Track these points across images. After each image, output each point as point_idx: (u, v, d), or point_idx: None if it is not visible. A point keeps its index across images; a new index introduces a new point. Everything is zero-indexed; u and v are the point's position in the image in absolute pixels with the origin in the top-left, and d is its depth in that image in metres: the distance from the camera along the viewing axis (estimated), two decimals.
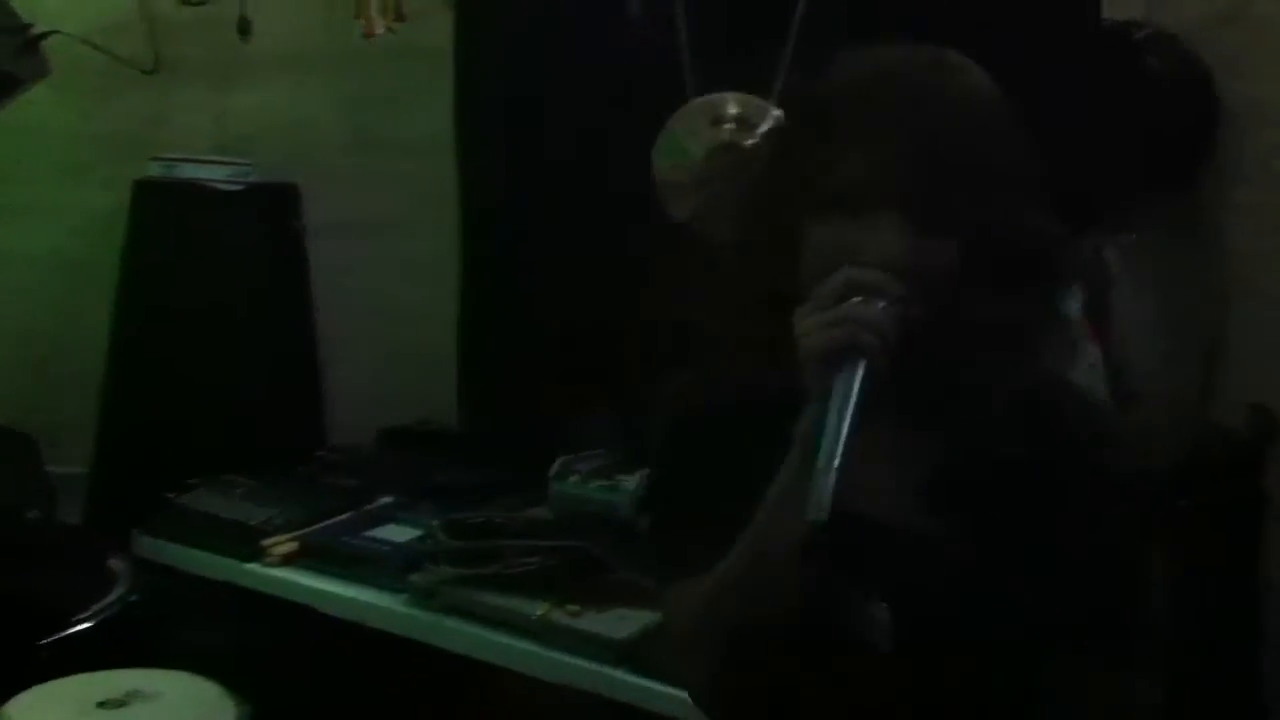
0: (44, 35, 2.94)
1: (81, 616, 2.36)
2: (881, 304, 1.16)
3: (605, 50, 2.50)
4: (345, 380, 3.28)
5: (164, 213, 3.11)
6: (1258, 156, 2.71)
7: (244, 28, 2.87)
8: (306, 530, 2.58)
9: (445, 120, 3.03)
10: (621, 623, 2.19)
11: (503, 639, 2.25)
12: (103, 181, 3.39)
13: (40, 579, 2.49)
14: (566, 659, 2.18)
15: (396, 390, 3.13)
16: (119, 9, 3.02)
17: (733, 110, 2.53)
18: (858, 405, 1.14)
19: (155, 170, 3.17)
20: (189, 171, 3.14)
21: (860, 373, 1.14)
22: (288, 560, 2.53)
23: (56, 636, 2.29)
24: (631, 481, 2.42)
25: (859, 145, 1.21)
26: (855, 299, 1.16)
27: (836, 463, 1.11)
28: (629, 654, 2.14)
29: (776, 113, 2.48)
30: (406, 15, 2.87)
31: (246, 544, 2.55)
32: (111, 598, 2.41)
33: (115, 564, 2.54)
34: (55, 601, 2.38)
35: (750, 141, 2.51)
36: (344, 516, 2.63)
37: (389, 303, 3.27)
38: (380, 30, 2.76)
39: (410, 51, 3.02)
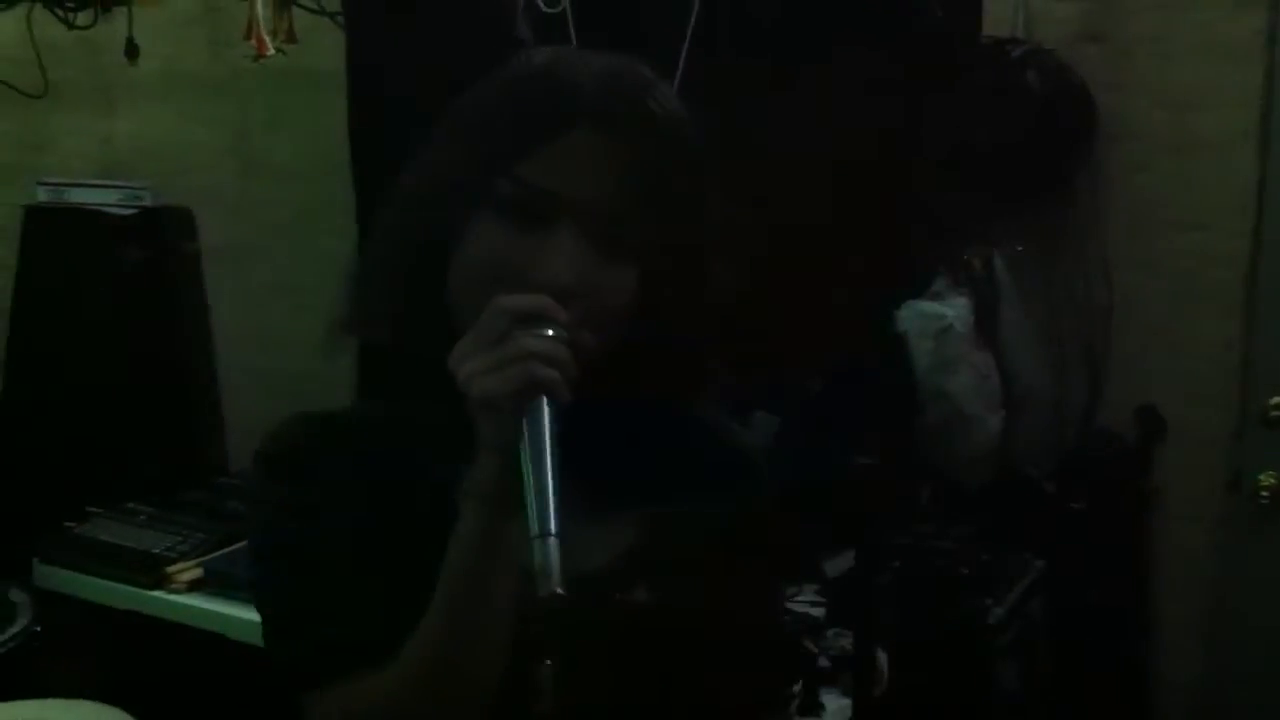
0: None
1: None
2: (550, 332, 1.02)
3: (497, 66, 2.52)
4: (243, 405, 3.26)
5: (54, 238, 3.06)
6: (1123, 169, 2.81)
7: (131, 51, 2.84)
8: (210, 556, 2.57)
9: (335, 143, 3.03)
10: None
11: None
12: None
13: None
14: None
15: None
16: (5, 34, 2.97)
17: None
18: (554, 452, 1.00)
19: (43, 195, 3.12)
20: (79, 196, 3.10)
21: (547, 413, 1.01)
22: (192, 587, 2.52)
23: None
24: None
25: (543, 145, 1.07)
26: (523, 331, 1.02)
27: (554, 523, 0.98)
28: None
29: None
30: (297, 37, 2.86)
31: (150, 571, 2.52)
32: (13, 629, 2.38)
33: (15, 595, 2.50)
34: None
35: None
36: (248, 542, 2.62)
37: (282, 327, 3.26)
38: (270, 52, 2.74)
39: (301, 73, 3.02)
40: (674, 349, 1.15)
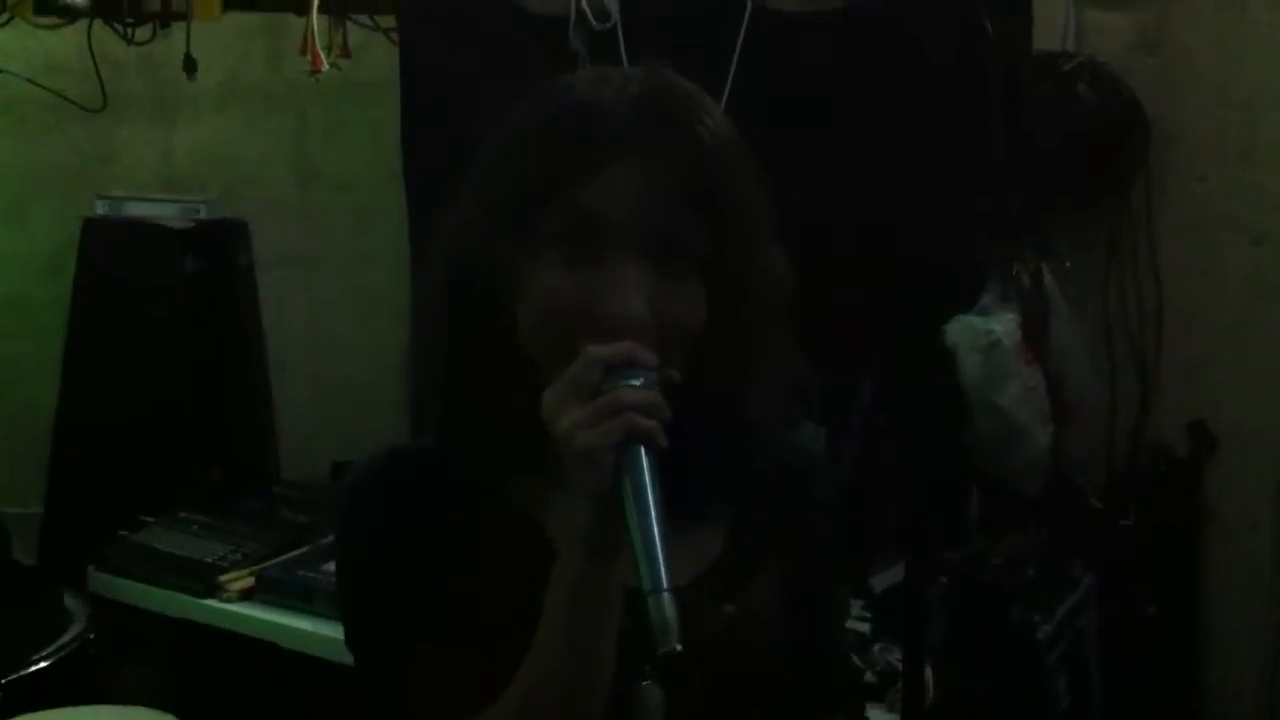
0: None
1: (39, 655, 2.35)
2: (640, 379, 1.01)
3: (549, 82, 2.54)
4: (297, 414, 3.30)
5: (113, 251, 3.11)
6: (1179, 180, 2.80)
7: (189, 65, 2.88)
8: (263, 565, 2.60)
9: (390, 154, 3.07)
10: None
11: None
12: (49, 220, 3.39)
13: None
14: None
15: (349, 423, 3.14)
16: (66, 49, 3.03)
17: None
18: (657, 501, 0.99)
19: (102, 208, 3.17)
20: (137, 209, 3.15)
21: (646, 463, 1.00)
22: (245, 595, 2.55)
23: (14, 676, 2.29)
24: None
25: (592, 177, 1.06)
26: (616, 383, 1.00)
27: (666, 578, 0.96)
28: None
29: None
30: (351, 51, 2.90)
31: (203, 580, 2.56)
32: (68, 636, 2.41)
33: (71, 602, 2.54)
34: (12, 641, 2.38)
35: None
36: (300, 550, 2.64)
37: (338, 336, 3.30)
38: (324, 66, 2.78)
39: (355, 86, 3.06)
40: (743, 361, 1.14)
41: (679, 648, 0.94)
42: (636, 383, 1.01)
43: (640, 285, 1.05)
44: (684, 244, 1.07)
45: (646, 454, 1.00)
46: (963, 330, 2.66)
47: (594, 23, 2.51)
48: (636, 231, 1.06)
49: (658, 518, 0.98)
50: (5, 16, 2.84)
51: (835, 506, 1.29)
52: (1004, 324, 2.65)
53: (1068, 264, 2.74)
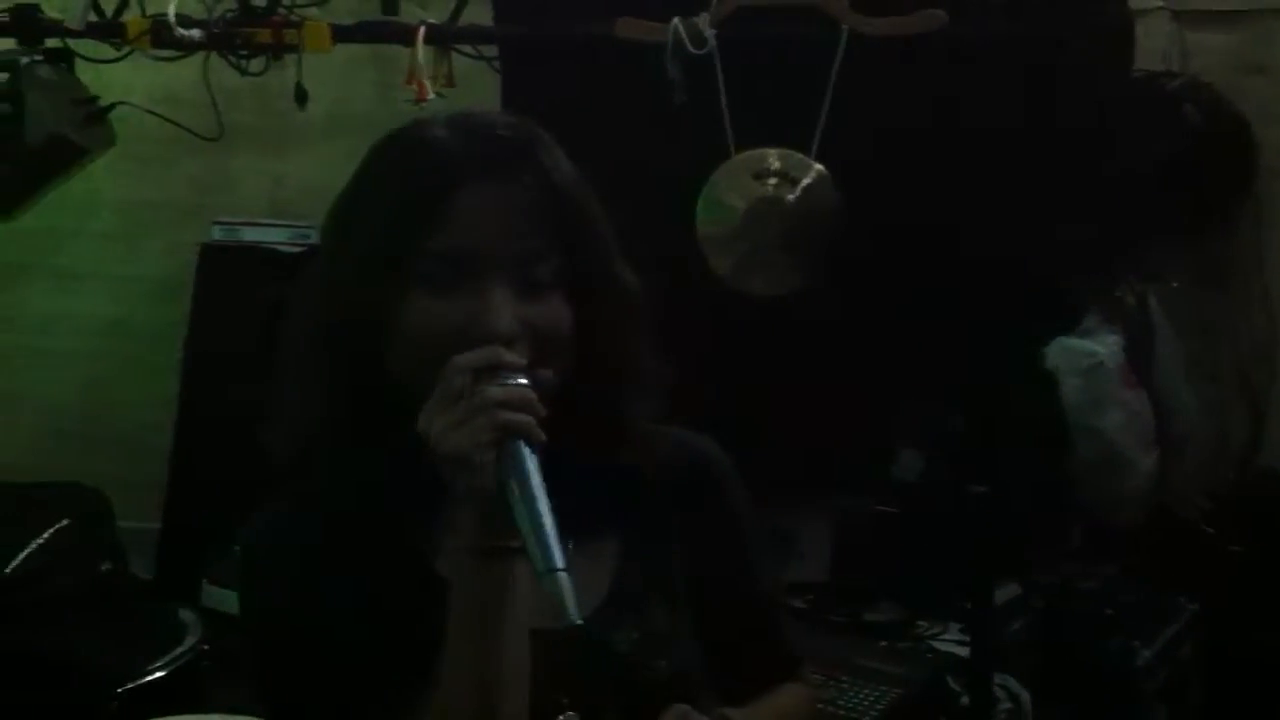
0: (111, 107, 3.06)
1: (154, 666, 2.43)
2: (511, 380, 1.07)
3: (649, 108, 2.57)
4: None
5: (229, 274, 3.21)
6: None
7: (300, 96, 2.96)
8: None
9: None
10: None
11: None
12: (165, 247, 3.51)
13: (114, 630, 2.57)
14: None
15: None
16: (181, 80, 3.12)
17: (774, 165, 2.57)
18: (542, 489, 1.04)
19: (217, 234, 3.27)
20: (251, 235, 3.24)
21: (527, 453, 1.05)
22: None
23: (130, 686, 2.36)
24: None
25: (445, 213, 1.12)
26: (484, 384, 1.06)
27: (559, 558, 1.01)
28: None
29: (818, 167, 2.54)
30: (455, 80, 2.95)
31: None
32: (182, 648, 2.48)
33: (185, 615, 2.62)
34: (129, 651, 2.46)
35: (791, 196, 2.57)
36: None
37: None
38: (430, 95, 2.83)
39: None
40: (617, 374, 1.19)
41: (579, 621, 1.00)
42: (510, 382, 1.07)
43: (504, 303, 1.11)
44: (540, 263, 1.13)
45: (526, 447, 1.05)
46: (1063, 353, 2.63)
47: (690, 48, 2.53)
48: (496, 257, 1.12)
49: (546, 506, 1.03)
50: (125, 50, 2.94)
51: (739, 482, 1.31)
52: (1106, 346, 2.63)
53: (1174, 285, 2.70)
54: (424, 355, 1.10)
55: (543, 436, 1.06)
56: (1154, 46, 2.78)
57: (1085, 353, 2.60)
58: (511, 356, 1.08)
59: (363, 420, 1.15)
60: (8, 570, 2.60)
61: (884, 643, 2.34)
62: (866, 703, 2.00)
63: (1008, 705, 2.10)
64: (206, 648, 2.52)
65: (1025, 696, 2.05)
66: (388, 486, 1.14)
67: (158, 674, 2.41)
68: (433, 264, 1.12)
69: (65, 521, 2.72)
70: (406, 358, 1.13)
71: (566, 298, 1.15)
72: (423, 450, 1.07)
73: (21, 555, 2.63)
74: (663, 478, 1.24)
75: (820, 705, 1.93)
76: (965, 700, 2.10)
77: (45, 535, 2.67)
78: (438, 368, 1.08)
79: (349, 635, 1.12)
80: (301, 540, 1.17)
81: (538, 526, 1.02)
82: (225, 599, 2.72)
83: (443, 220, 1.12)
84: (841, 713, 1.95)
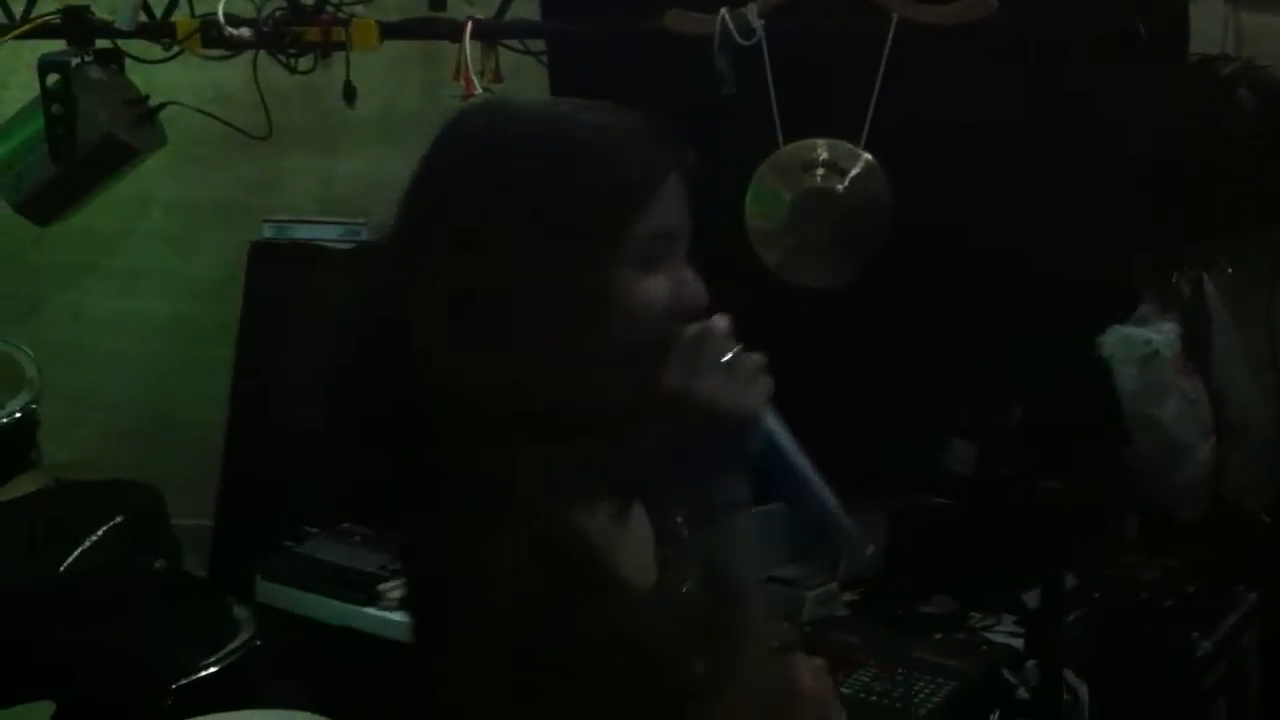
0: (161, 107, 3.09)
1: (208, 661, 2.45)
2: (739, 347, 1.15)
3: (696, 101, 2.56)
4: None
5: (279, 272, 3.22)
6: None
7: (349, 94, 2.97)
8: None
9: None
10: None
11: None
12: (216, 246, 3.53)
13: (168, 627, 2.59)
14: None
15: None
16: (231, 80, 3.15)
17: (822, 155, 2.56)
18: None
19: (268, 232, 3.29)
20: (302, 232, 3.26)
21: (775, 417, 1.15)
22: (403, 604, 2.60)
23: (185, 681, 2.38)
24: None
25: (653, 199, 1.17)
26: (731, 350, 1.14)
27: (835, 503, 1.12)
28: None
29: (866, 157, 2.53)
30: (503, 75, 2.96)
31: (364, 589, 2.62)
32: (236, 643, 2.50)
33: (239, 611, 2.64)
34: (183, 647, 2.48)
35: (840, 186, 2.55)
36: None
37: None
38: (478, 90, 2.84)
39: None
40: None
41: (871, 549, 1.16)
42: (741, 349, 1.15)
43: (697, 276, 1.19)
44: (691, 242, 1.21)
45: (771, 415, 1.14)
46: (1119, 341, 2.60)
47: (739, 39, 2.52)
48: (684, 237, 1.20)
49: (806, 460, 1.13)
50: (175, 50, 2.96)
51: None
52: (1163, 334, 2.59)
53: (1229, 270, 2.66)
54: (643, 326, 1.15)
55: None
56: (1208, 30, 2.73)
57: (1141, 341, 2.56)
58: (732, 328, 1.16)
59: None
60: (62, 568, 2.63)
61: (938, 636, 2.32)
62: (922, 695, 1.99)
63: (1066, 699, 2.07)
64: (260, 644, 2.53)
65: (1083, 689, 2.02)
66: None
67: (211, 670, 2.43)
68: (644, 243, 1.16)
69: (119, 519, 2.74)
70: (620, 330, 1.16)
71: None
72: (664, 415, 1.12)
73: (75, 553, 2.65)
74: None
75: (874, 698, 1.92)
76: (1022, 693, 2.07)
77: (99, 533, 2.70)
78: (655, 336, 1.14)
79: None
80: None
81: (811, 478, 1.13)
82: (279, 595, 2.74)
83: (654, 205, 1.17)
84: (898, 705, 1.94)
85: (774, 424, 1.13)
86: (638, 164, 1.18)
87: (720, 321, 1.15)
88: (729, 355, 1.14)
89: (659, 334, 1.15)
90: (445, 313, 1.15)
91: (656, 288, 1.16)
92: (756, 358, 1.14)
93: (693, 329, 1.14)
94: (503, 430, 1.14)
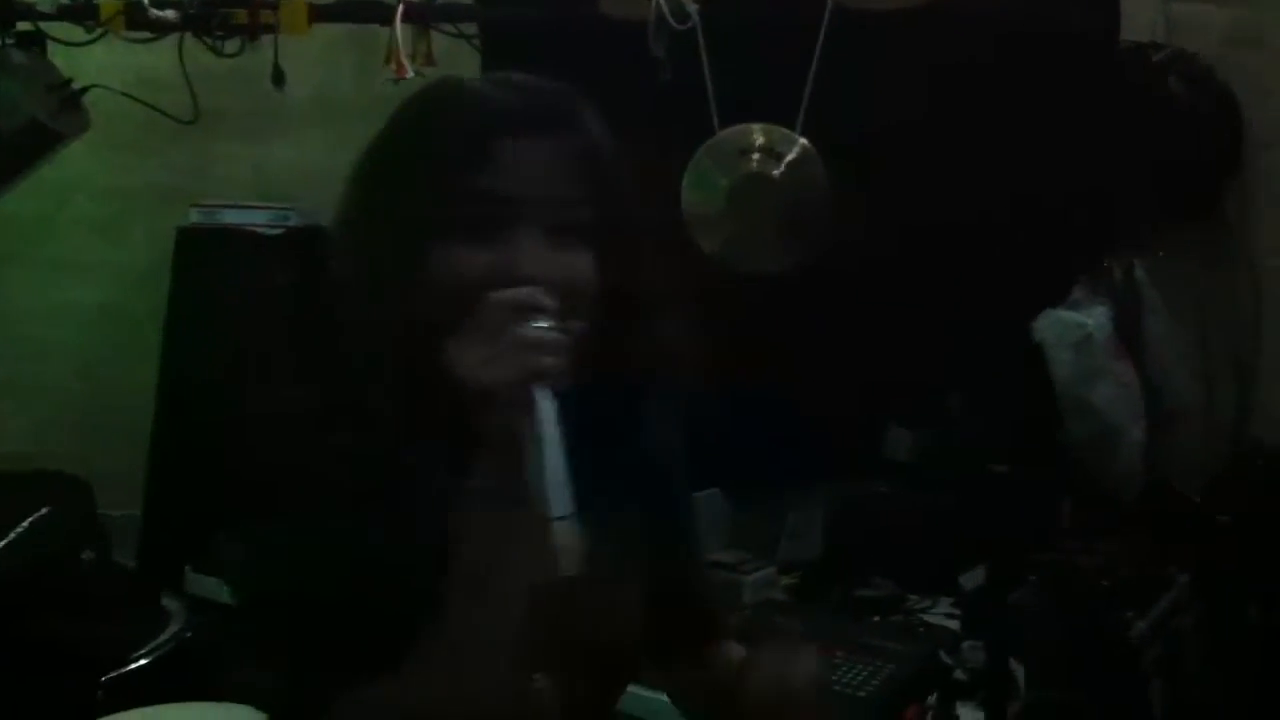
0: (84, 90, 3.02)
1: (138, 654, 2.41)
2: (545, 323, 1.07)
3: (632, 86, 2.55)
4: None
5: (207, 258, 3.17)
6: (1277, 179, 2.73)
7: (278, 78, 2.92)
8: None
9: None
10: None
11: None
12: (145, 233, 3.47)
13: (97, 619, 2.54)
14: None
15: None
16: (158, 64, 3.08)
17: (759, 141, 2.56)
18: (561, 437, 1.04)
19: (196, 217, 3.24)
20: (230, 217, 3.21)
21: (549, 400, 1.05)
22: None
23: (115, 674, 2.34)
24: None
25: (491, 160, 1.13)
26: (520, 325, 1.06)
27: (564, 504, 1.01)
28: None
29: (803, 142, 2.52)
30: (436, 59, 2.92)
31: None
32: (166, 635, 2.46)
33: (169, 602, 2.60)
34: (112, 640, 2.44)
35: (777, 171, 2.55)
36: None
37: None
38: (410, 74, 2.80)
39: None
40: (636, 336, 1.19)
41: (573, 574, 1.00)
42: (540, 325, 1.07)
43: (537, 250, 1.12)
44: (572, 214, 1.14)
45: (548, 394, 1.04)
46: (1052, 325, 2.62)
47: (674, 24, 2.51)
48: (531, 205, 1.13)
49: (559, 453, 1.02)
50: (99, 32, 2.90)
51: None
52: (1095, 317, 2.61)
53: (1160, 254, 2.68)
54: (455, 299, 1.10)
55: (567, 382, 1.06)
56: (1139, 18, 2.75)
57: (1074, 324, 2.58)
58: (547, 300, 1.08)
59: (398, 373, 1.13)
60: None
61: (876, 618, 2.33)
62: (861, 678, 1.99)
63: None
64: (190, 635, 2.50)
65: (1020, 671, 2.03)
66: (414, 433, 1.11)
67: (142, 661, 2.39)
68: (472, 206, 1.12)
69: (45, 510, 2.69)
70: (439, 300, 1.11)
71: (597, 254, 1.15)
72: (447, 387, 1.06)
73: (0, 545, 2.60)
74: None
75: None
76: (959, 674, 2.08)
77: (24, 524, 2.64)
78: (469, 309, 1.08)
79: (353, 567, 1.09)
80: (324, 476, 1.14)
81: (553, 471, 1.02)
82: (209, 586, 2.70)
83: (483, 164, 1.12)
84: (837, 688, 1.94)
85: (545, 409, 1.04)
86: (473, 123, 1.13)
87: (527, 294, 1.08)
88: (520, 329, 1.05)
89: (463, 303, 1.09)
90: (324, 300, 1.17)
91: (471, 255, 1.12)
92: (531, 333, 1.05)
93: (491, 298, 1.07)
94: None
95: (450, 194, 1.12)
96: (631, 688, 1.31)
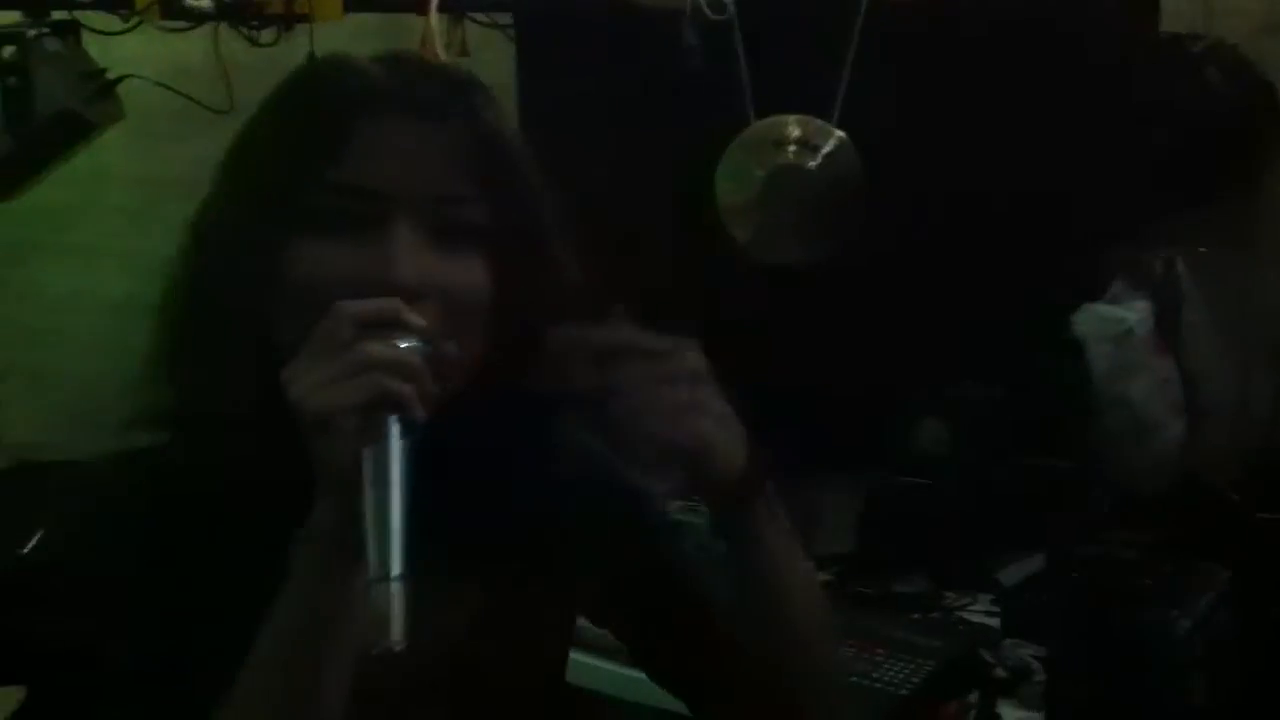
0: (119, 80, 3.02)
1: None
2: (405, 343, 0.90)
3: (667, 76, 2.54)
4: None
5: None
6: None
7: None
8: None
9: None
10: None
11: None
12: (176, 223, 3.46)
13: None
14: None
15: None
16: (192, 53, 3.08)
17: (794, 132, 2.55)
18: (404, 481, 0.86)
19: None
20: None
21: (396, 436, 0.87)
22: None
23: None
24: None
25: (347, 144, 0.97)
26: (368, 340, 0.89)
27: (398, 565, 0.84)
28: None
29: (839, 134, 2.51)
30: (469, 49, 2.92)
31: None
32: None
33: None
34: None
35: (812, 163, 2.54)
36: None
37: None
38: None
39: None
40: (535, 355, 1.02)
41: (399, 644, 0.83)
42: (400, 344, 0.89)
43: (410, 252, 0.95)
44: (458, 211, 0.99)
45: (397, 425, 0.88)
46: (1091, 320, 2.60)
47: (709, 13, 2.50)
48: (404, 199, 0.97)
49: (402, 500, 0.86)
50: (133, 22, 2.90)
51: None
52: (1135, 312, 2.59)
53: (1201, 250, 2.66)
54: (311, 306, 0.93)
55: (422, 415, 0.89)
56: (1178, 7, 2.73)
57: (1114, 319, 2.56)
58: (412, 315, 0.91)
59: (244, 385, 0.99)
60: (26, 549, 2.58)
61: (914, 615, 2.31)
62: (902, 676, 1.97)
63: (1040, 678, 2.07)
64: None
65: (1061, 667, 2.02)
66: (260, 461, 0.96)
67: None
68: (329, 198, 0.97)
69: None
70: (292, 311, 0.96)
71: (488, 262, 0.99)
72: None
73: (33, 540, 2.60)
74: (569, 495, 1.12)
75: (855, 679, 1.91)
76: (1000, 672, 2.07)
77: (63, 514, 2.64)
78: (318, 320, 0.91)
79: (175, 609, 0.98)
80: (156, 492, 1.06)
81: (383, 522, 0.85)
82: None
83: (345, 150, 0.97)
84: (878, 686, 1.93)
85: (380, 442, 0.87)
86: (335, 103, 0.99)
87: (381, 305, 0.90)
88: (369, 346, 0.88)
89: (313, 314, 0.92)
90: None
91: (324, 256, 0.96)
92: (379, 351, 0.88)
93: (338, 307, 0.90)
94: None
95: (306, 184, 0.98)
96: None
